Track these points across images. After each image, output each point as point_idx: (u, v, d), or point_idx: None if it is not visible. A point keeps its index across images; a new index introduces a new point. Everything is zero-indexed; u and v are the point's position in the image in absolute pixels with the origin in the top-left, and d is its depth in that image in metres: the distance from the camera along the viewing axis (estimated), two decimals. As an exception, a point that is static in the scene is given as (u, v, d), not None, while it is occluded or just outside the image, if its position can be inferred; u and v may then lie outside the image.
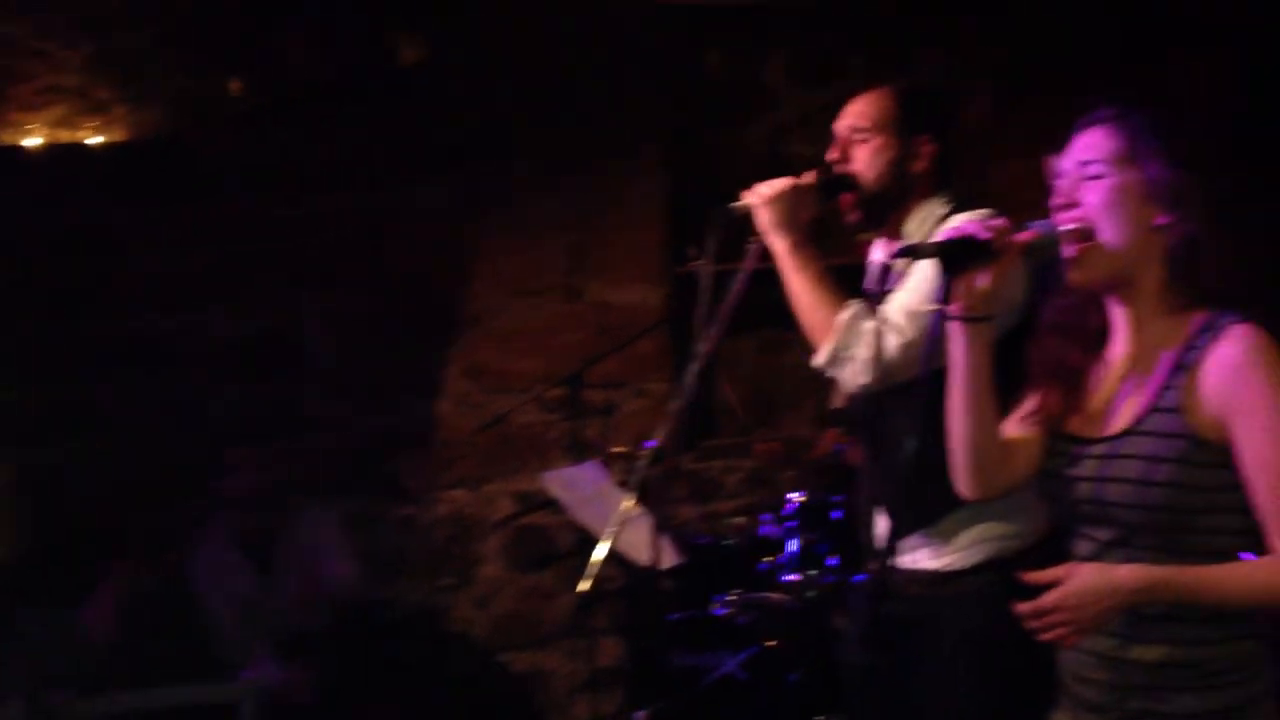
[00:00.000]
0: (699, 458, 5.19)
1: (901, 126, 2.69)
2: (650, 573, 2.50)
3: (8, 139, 4.65)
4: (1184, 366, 1.90)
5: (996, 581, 2.53)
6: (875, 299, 2.66)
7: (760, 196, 2.64)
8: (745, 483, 5.23)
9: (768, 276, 2.66)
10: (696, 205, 2.71)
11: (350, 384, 4.76)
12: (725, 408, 5.33)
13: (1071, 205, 1.97)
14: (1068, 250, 1.96)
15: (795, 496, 4.13)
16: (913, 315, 2.50)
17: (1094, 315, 2.07)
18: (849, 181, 2.72)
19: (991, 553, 2.57)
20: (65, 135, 4.67)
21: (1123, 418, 1.96)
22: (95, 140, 4.61)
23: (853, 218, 2.75)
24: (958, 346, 2.01)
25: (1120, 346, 2.03)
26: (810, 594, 3.98)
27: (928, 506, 2.54)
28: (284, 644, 4.19)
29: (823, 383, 2.71)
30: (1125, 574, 1.86)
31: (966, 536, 2.58)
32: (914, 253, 2.04)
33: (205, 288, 4.64)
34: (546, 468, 4.63)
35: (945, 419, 2.07)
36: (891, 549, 2.64)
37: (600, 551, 2.41)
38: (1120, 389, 2.00)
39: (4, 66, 4.58)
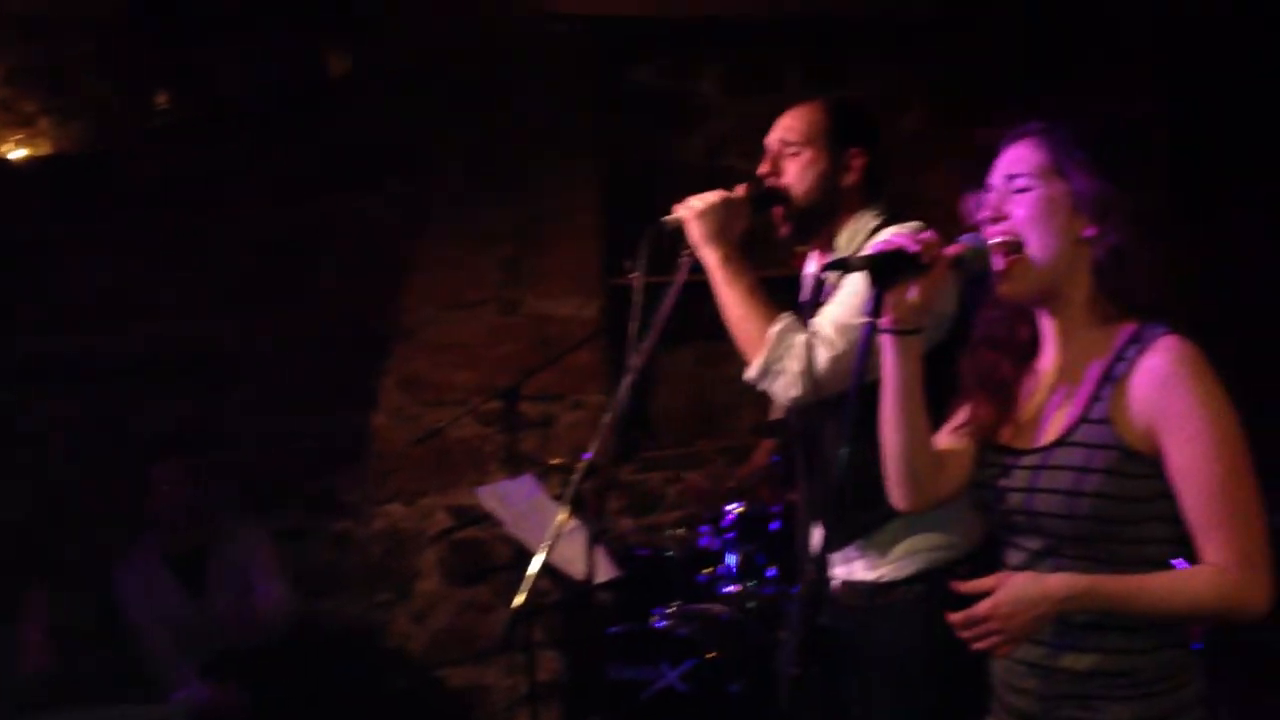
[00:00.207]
0: (638, 469, 5.19)
1: (832, 139, 2.70)
2: (586, 586, 2.48)
3: (-70, 151, 4.57)
4: (1112, 378, 1.92)
5: (931, 592, 2.54)
6: (808, 312, 2.67)
7: (691, 210, 2.64)
8: (685, 494, 5.24)
9: (704, 288, 2.66)
10: (633, 217, 2.70)
11: (282, 398, 4.69)
12: (664, 419, 5.33)
13: (999, 218, 1.98)
14: (997, 263, 1.98)
15: (734, 508, 4.14)
16: (843, 328, 2.51)
17: (1023, 327, 2.09)
18: (780, 195, 2.72)
19: (926, 564, 2.58)
20: (-11, 148, 4.59)
21: (1053, 429, 1.98)
22: (20, 154, 4.52)
23: (784, 230, 2.75)
24: (888, 359, 2.02)
25: (1049, 358, 2.05)
26: (750, 605, 3.99)
27: (862, 518, 2.54)
28: (215, 664, 4.14)
29: (760, 394, 2.70)
30: (1054, 583, 1.87)
31: (901, 548, 2.59)
32: (844, 266, 2.04)
33: (132, 302, 4.55)
34: (483, 481, 4.60)
35: (878, 431, 2.07)
36: (826, 560, 2.64)
37: (535, 566, 2.39)
38: (1050, 400, 2.02)
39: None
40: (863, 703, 2.64)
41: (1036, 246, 1.95)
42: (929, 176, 4.98)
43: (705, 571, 4.19)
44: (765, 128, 2.80)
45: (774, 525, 4.08)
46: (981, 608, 1.86)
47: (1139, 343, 1.91)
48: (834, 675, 2.69)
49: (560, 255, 4.99)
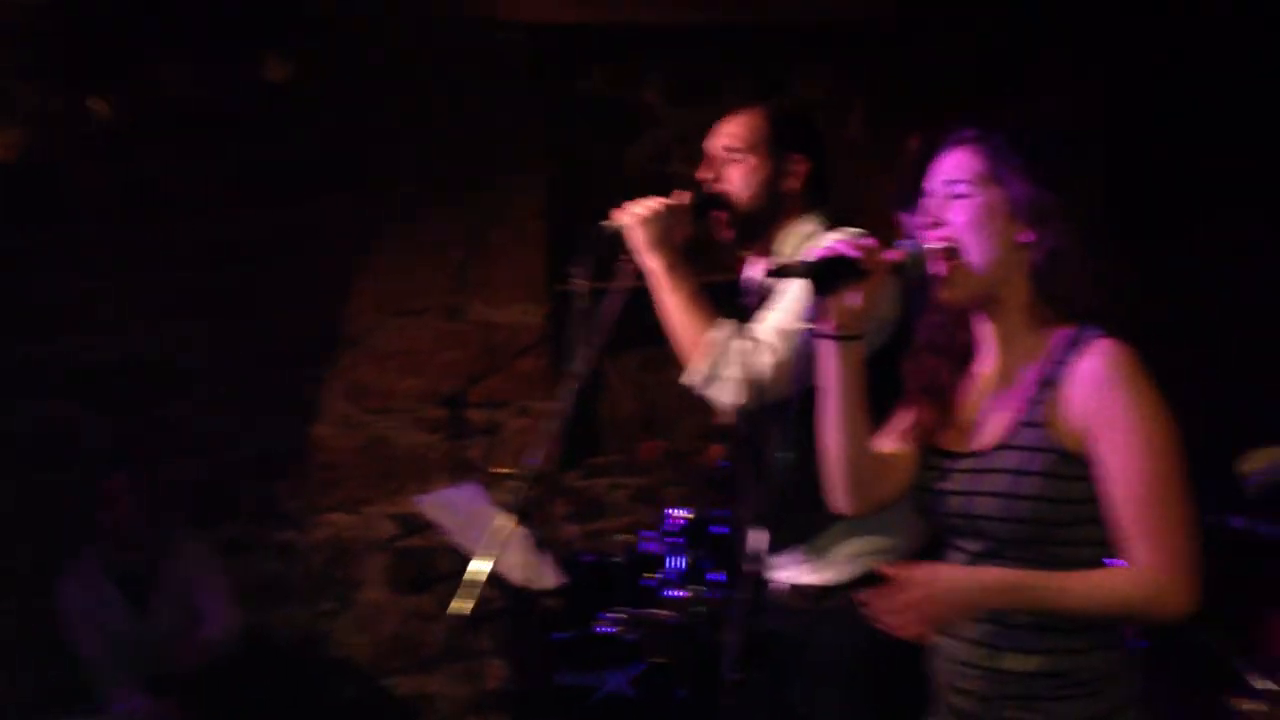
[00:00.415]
0: (583, 476, 5.18)
1: (773, 146, 2.71)
2: (530, 593, 2.48)
3: None
4: (1049, 381, 1.94)
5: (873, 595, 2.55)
6: (749, 317, 2.68)
7: (633, 216, 2.64)
8: (630, 500, 5.24)
9: (649, 294, 2.66)
10: (579, 224, 2.70)
11: (226, 407, 4.65)
12: (610, 425, 5.33)
13: (938, 224, 2.00)
14: (936, 268, 1.99)
15: (679, 513, 4.14)
16: (783, 334, 2.52)
17: (963, 332, 2.10)
18: (721, 200, 2.73)
19: (868, 567, 2.59)
20: (-69, 156, 4.52)
21: (991, 432, 1.99)
22: (-38, 162, 4.46)
23: (726, 236, 2.76)
24: (829, 365, 2.03)
25: (988, 362, 2.07)
26: (696, 610, 3.99)
27: (804, 522, 2.56)
28: (156, 677, 4.10)
29: (706, 400, 2.71)
30: (980, 575, 1.91)
31: (843, 551, 2.61)
32: (785, 271, 2.05)
33: (75, 312, 4.50)
34: (429, 489, 4.57)
35: (819, 435, 2.08)
36: (769, 565, 2.66)
37: (479, 573, 2.38)
38: (989, 404, 2.03)
39: None
40: (808, 706, 2.65)
41: (974, 252, 1.96)
42: (872, 183, 5.01)
43: (651, 577, 4.19)
44: (709, 135, 2.81)
45: (720, 530, 4.08)
46: (906, 594, 1.87)
47: (1075, 346, 1.93)
48: (779, 679, 2.70)
49: (506, 262, 4.98)
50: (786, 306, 2.55)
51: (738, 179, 2.72)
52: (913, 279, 2.02)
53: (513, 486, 2.39)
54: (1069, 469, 1.90)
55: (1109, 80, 5.36)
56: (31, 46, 4.44)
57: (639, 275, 2.65)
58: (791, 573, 2.69)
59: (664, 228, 2.63)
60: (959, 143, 2.02)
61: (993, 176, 1.97)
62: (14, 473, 4.42)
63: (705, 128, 2.83)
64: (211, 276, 4.63)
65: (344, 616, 4.87)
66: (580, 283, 2.54)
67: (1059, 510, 1.90)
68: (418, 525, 4.32)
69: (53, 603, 4.15)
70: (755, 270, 2.87)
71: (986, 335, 2.06)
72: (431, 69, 4.86)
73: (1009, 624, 1.95)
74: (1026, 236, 1.96)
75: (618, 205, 2.71)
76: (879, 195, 4.96)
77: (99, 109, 4.37)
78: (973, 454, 2.00)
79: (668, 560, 4.09)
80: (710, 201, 2.73)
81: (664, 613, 3.98)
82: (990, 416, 2.01)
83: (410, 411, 4.67)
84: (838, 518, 2.22)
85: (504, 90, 4.95)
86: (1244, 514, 3.99)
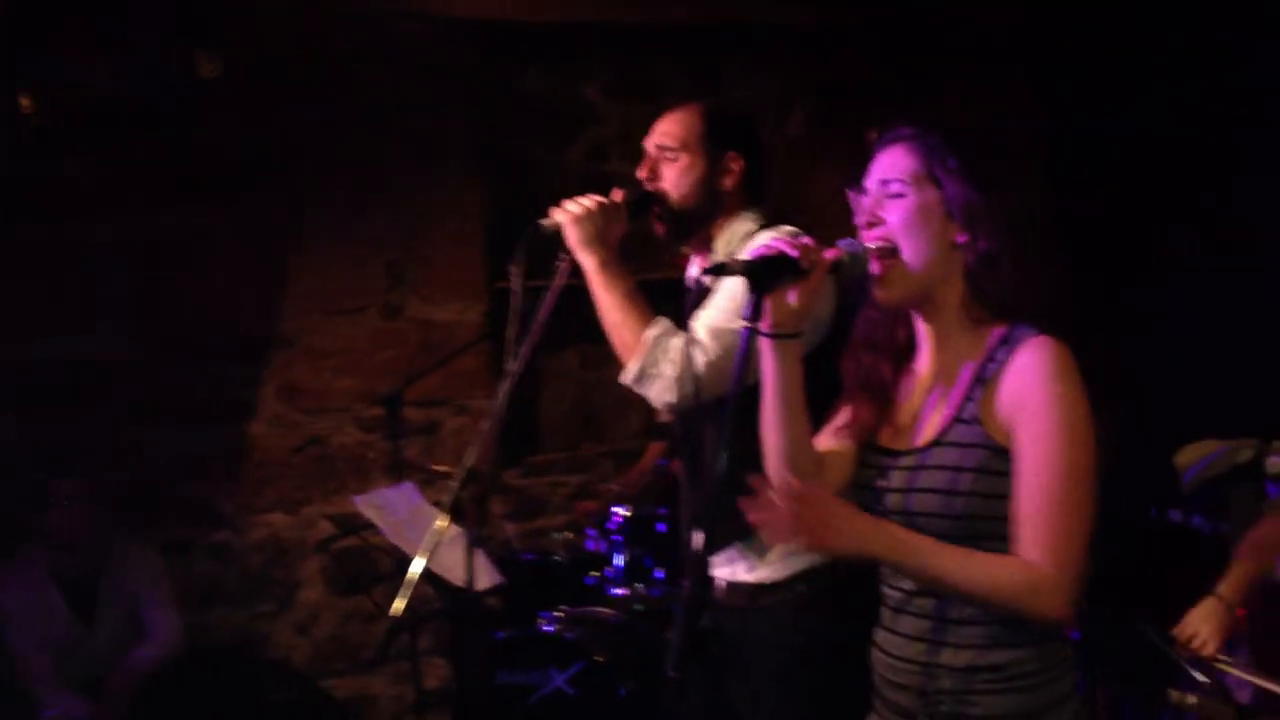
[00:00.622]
0: (523, 474, 5.17)
1: (709, 144, 2.72)
2: (468, 593, 2.47)
3: None
4: (983, 379, 1.95)
5: (810, 593, 2.57)
6: (687, 316, 2.68)
7: (568, 214, 2.63)
8: (571, 498, 5.23)
9: (587, 291, 2.66)
10: (517, 222, 2.69)
11: (157, 408, 4.58)
12: (549, 423, 5.32)
13: (875, 223, 2.00)
14: (873, 267, 2.00)
15: (620, 511, 4.14)
16: (717, 333, 2.52)
17: (902, 329, 2.11)
18: (656, 198, 2.73)
19: (805, 565, 2.60)
20: None
21: (928, 430, 2.01)
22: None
23: (661, 233, 2.76)
24: (768, 363, 2.03)
25: (925, 360, 2.08)
26: (638, 607, 3.99)
27: (742, 520, 2.55)
28: (94, 680, 4.04)
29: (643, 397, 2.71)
30: (877, 520, 1.93)
31: (781, 549, 2.61)
32: (722, 270, 2.05)
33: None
34: (367, 488, 4.55)
35: (758, 434, 2.08)
36: (708, 563, 2.66)
37: (414, 574, 2.36)
38: (926, 402, 2.05)
39: None
40: (746, 702, 2.66)
41: (910, 252, 1.97)
42: (811, 180, 5.03)
43: (593, 575, 4.19)
44: (648, 133, 2.80)
45: (661, 527, 4.09)
46: (801, 500, 1.85)
47: (1009, 344, 1.95)
48: (718, 676, 2.70)
49: (443, 259, 4.95)
50: (721, 305, 2.55)
51: (672, 177, 2.72)
52: (851, 278, 2.02)
53: (451, 485, 2.37)
54: (1001, 464, 1.91)
55: (1046, 77, 5.43)
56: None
57: (578, 272, 2.64)
58: (728, 570, 2.70)
59: (600, 226, 2.62)
60: (895, 140, 2.03)
61: (928, 176, 1.98)
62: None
63: (643, 126, 2.83)
64: (137, 276, 4.56)
65: (282, 618, 4.83)
66: (517, 280, 2.53)
67: (992, 505, 1.91)
68: (355, 526, 4.27)
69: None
70: (694, 269, 2.87)
71: (923, 334, 2.08)
72: (368, 64, 4.82)
73: (946, 620, 1.96)
74: (961, 237, 1.97)
75: (556, 203, 2.70)
76: (818, 193, 5.01)
77: (25, 106, 4.28)
78: (910, 451, 2.02)
79: (612, 558, 4.10)
80: (645, 200, 2.73)
81: (605, 611, 3.98)
82: (928, 414, 2.03)
83: (347, 411, 4.63)
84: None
85: (441, 86, 4.92)
86: (1180, 508, 4.06)
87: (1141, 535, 4.29)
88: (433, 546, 2.31)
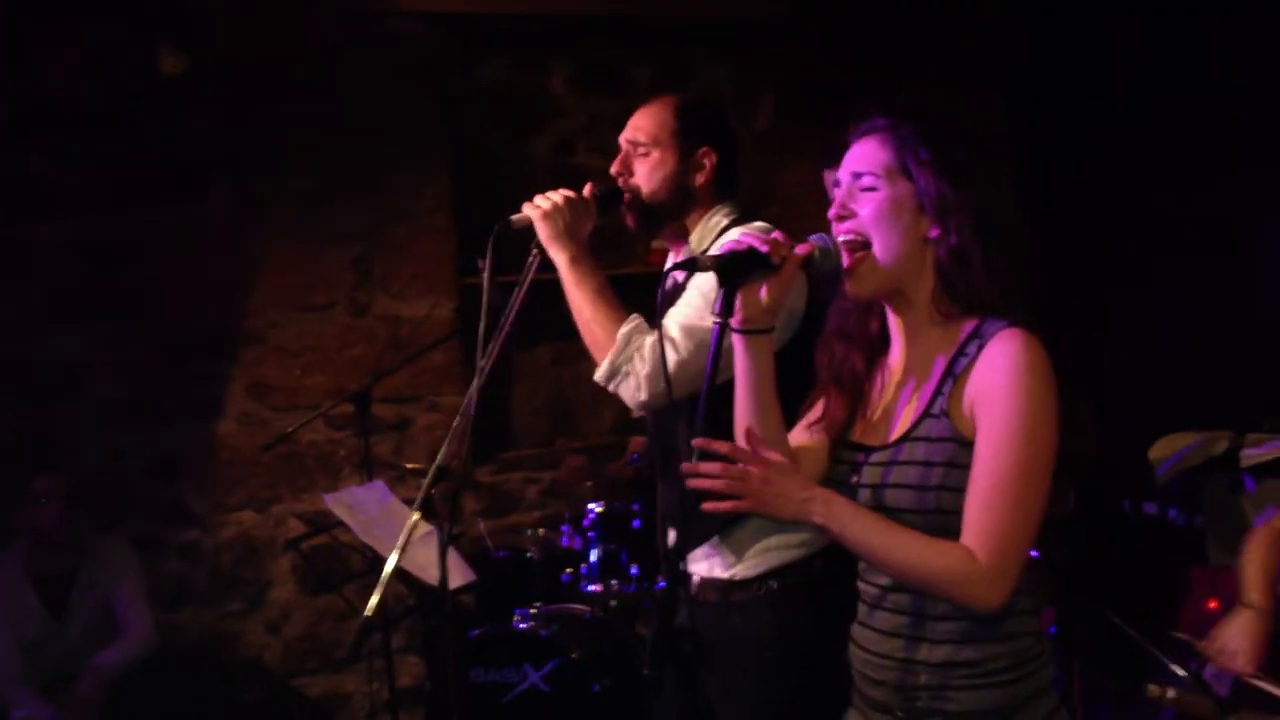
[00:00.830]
0: (496, 471, 5.14)
1: (681, 138, 2.70)
2: (441, 591, 2.44)
3: None
4: (953, 373, 1.94)
5: (784, 588, 2.56)
6: (660, 312, 2.66)
7: (538, 210, 2.61)
8: (545, 494, 5.21)
9: (559, 287, 2.64)
10: (486, 216, 2.66)
11: (125, 406, 4.55)
12: (522, 419, 5.29)
13: (846, 216, 1.99)
14: (844, 260, 1.98)
15: (595, 507, 4.12)
16: (689, 330, 2.51)
17: (874, 320, 2.10)
18: (625, 194, 2.71)
19: (778, 561, 2.59)
20: None
21: (901, 425, 2.00)
22: None
23: (632, 226, 2.75)
24: (740, 359, 2.02)
25: (897, 354, 2.07)
26: (613, 604, 3.98)
27: (716, 517, 2.54)
28: (61, 682, 4.02)
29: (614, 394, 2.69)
30: (824, 490, 1.92)
31: (755, 546, 2.60)
32: (693, 266, 2.03)
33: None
34: (338, 486, 4.53)
35: (732, 430, 2.06)
36: (682, 559, 2.64)
37: (385, 573, 2.33)
38: (898, 397, 2.03)
39: None
40: (722, 699, 2.65)
41: (881, 247, 1.96)
42: (780, 174, 5.02)
43: (567, 571, 4.17)
44: (615, 125, 2.79)
45: (635, 523, 4.08)
46: (748, 466, 1.86)
47: (979, 338, 1.93)
48: (693, 672, 2.68)
49: (412, 255, 4.92)
50: (691, 301, 2.54)
51: (644, 173, 2.71)
52: (822, 272, 2.01)
53: (423, 483, 2.34)
54: (968, 457, 1.89)
55: (1014, 68, 5.44)
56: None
57: (549, 267, 2.62)
58: (704, 566, 2.69)
59: (569, 221, 2.61)
60: (869, 132, 2.01)
61: (901, 170, 1.96)
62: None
63: (611, 118, 2.82)
64: (106, 272, 4.52)
65: (253, 617, 4.80)
66: (487, 276, 2.50)
67: (961, 499, 1.89)
68: (326, 524, 4.24)
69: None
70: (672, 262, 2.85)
71: (895, 328, 2.06)
72: (332, 59, 4.78)
73: (922, 615, 1.95)
74: (933, 232, 1.96)
75: (524, 197, 2.68)
76: (786, 186, 5.01)
77: None
78: (883, 447, 2.00)
79: (587, 554, 4.08)
80: (614, 194, 2.71)
81: (579, 607, 3.97)
82: (901, 409, 2.02)
83: (316, 408, 4.58)
84: (750, 513, 2.19)
85: (406, 80, 4.89)
86: (1156, 501, 4.06)
87: (1117, 528, 4.30)
88: (405, 545, 2.28)
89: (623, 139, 2.75)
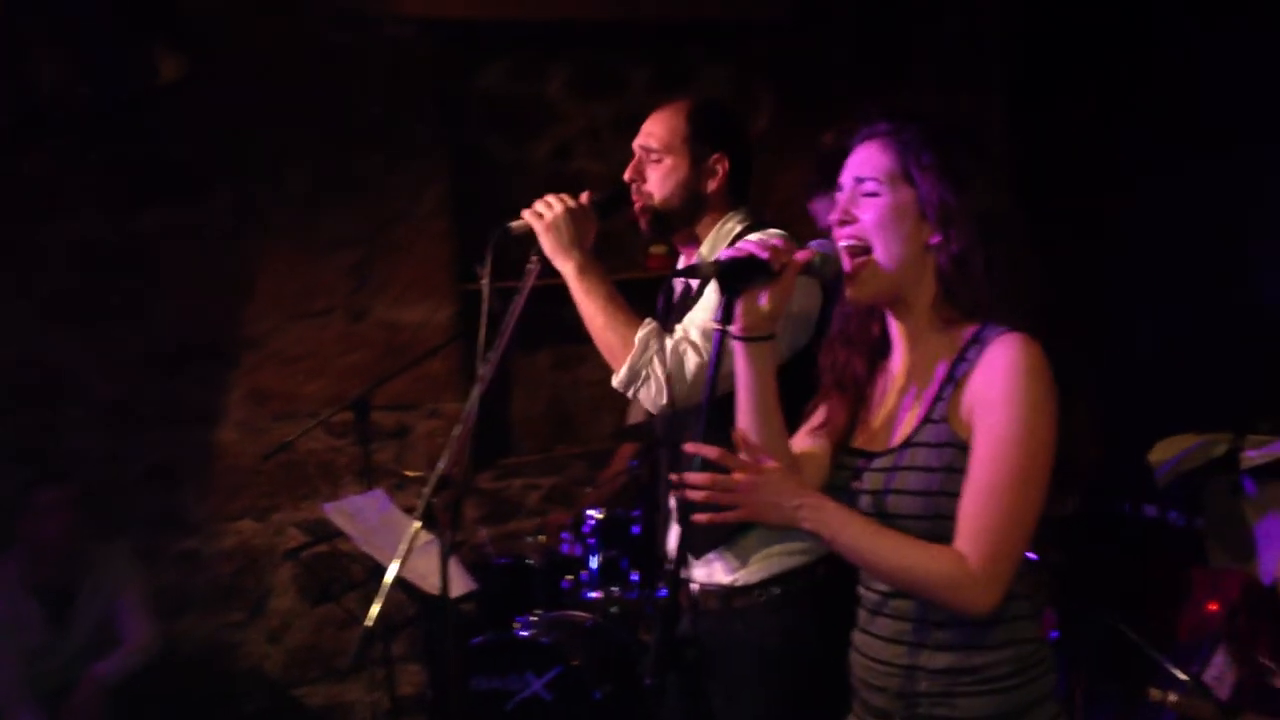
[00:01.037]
0: (497, 477, 5.13)
1: (694, 145, 2.69)
2: (441, 600, 2.44)
3: None
4: (954, 378, 1.94)
5: (785, 595, 2.55)
6: (674, 316, 2.67)
7: (540, 222, 2.60)
8: (545, 501, 5.20)
9: (558, 292, 2.63)
10: (485, 221, 2.65)
11: (123, 415, 4.53)
12: (522, 425, 5.28)
13: (848, 221, 1.98)
14: (845, 265, 1.98)
15: (594, 513, 4.11)
16: (708, 334, 2.50)
17: (876, 324, 2.10)
18: (624, 197, 2.71)
19: (780, 567, 2.59)
20: None
21: (902, 431, 1.99)
22: None
23: (644, 229, 2.75)
24: (741, 365, 2.01)
25: (899, 360, 2.06)
26: (613, 610, 3.97)
27: (720, 524, 2.53)
28: (64, 689, 4.00)
29: (618, 399, 2.68)
30: (816, 495, 1.92)
31: (759, 553, 2.60)
32: (693, 273, 2.03)
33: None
34: (338, 494, 4.52)
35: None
36: (685, 565, 2.64)
37: (387, 583, 2.33)
38: (900, 403, 2.03)
39: None
40: (724, 705, 2.65)
41: (883, 252, 1.96)
42: (780, 177, 5.02)
43: (568, 578, 4.16)
44: (614, 130, 2.78)
45: (635, 530, 4.07)
46: (736, 476, 1.87)
47: (980, 343, 1.93)
48: (696, 679, 2.68)
49: (410, 260, 4.91)
50: (711, 305, 2.53)
51: (657, 180, 2.70)
52: (825, 278, 2.00)
53: (424, 491, 2.34)
54: (966, 462, 1.89)
55: (1012, 69, 5.44)
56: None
57: (547, 273, 2.61)
58: (705, 572, 2.68)
59: (573, 231, 2.60)
60: (871, 136, 2.01)
61: (903, 175, 1.96)
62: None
63: (610, 122, 2.81)
64: (102, 278, 4.51)
65: (253, 626, 4.78)
66: (486, 284, 2.50)
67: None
68: (326, 533, 4.23)
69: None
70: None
71: (896, 333, 2.06)
72: (330, 64, 4.77)
73: (923, 621, 1.95)
74: (934, 239, 1.95)
75: (522, 202, 2.67)
76: (785, 188, 5.00)
77: None
78: (885, 453, 2.00)
79: (587, 561, 4.08)
80: (613, 199, 2.71)
81: (580, 614, 3.96)
82: (902, 415, 2.01)
83: (315, 415, 4.57)
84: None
85: (404, 85, 4.88)
86: (1156, 503, 4.06)
87: (1117, 530, 4.30)
88: (406, 553, 2.28)
89: (635, 144, 2.74)
